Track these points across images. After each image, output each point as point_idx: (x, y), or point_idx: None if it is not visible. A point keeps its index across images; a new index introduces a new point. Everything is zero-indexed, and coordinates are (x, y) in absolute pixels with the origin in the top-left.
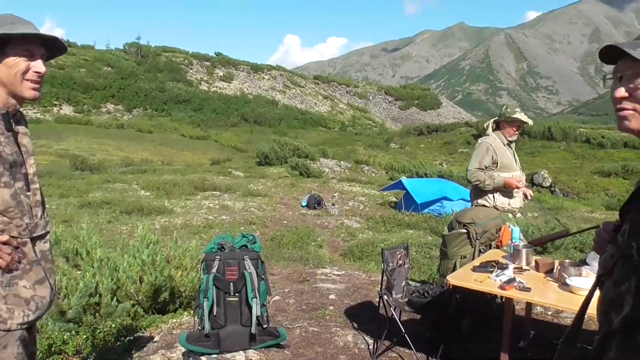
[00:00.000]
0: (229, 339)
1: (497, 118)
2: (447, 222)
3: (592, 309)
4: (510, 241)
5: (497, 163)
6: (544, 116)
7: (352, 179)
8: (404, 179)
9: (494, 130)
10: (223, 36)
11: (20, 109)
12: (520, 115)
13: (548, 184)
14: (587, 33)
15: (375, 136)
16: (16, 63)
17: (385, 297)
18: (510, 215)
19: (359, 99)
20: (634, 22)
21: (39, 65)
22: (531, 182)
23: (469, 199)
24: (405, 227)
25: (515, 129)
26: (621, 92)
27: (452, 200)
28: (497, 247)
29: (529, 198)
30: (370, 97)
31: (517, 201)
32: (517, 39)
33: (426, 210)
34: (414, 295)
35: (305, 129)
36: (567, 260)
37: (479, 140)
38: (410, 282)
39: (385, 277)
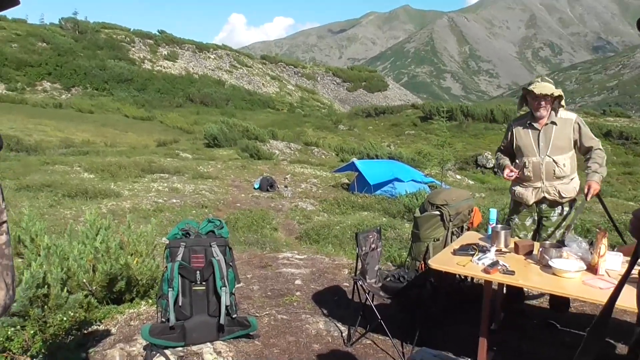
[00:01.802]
0: (196, 330)
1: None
2: (400, 203)
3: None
4: (487, 223)
5: (515, 145)
6: (485, 99)
7: (303, 161)
8: (356, 161)
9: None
10: (166, 14)
11: None
12: (532, 86)
13: (491, 165)
14: (524, 19)
15: (324, 118)
16: None
17: (359, 282)
18: (524, 211)
19: (307, 80)
20: (567, 9)
21: None
22: (475, 164)
23: (419, 179)
24: (359, 208)
25: (537, 103)
26: None
27: (403, 182)
28: (469, 228)
29: (588, 197)
30: (318, 79)
31: (529, 193)
32: (460, 22)
33: (378, 192)
34: (387, 280)
35: (254, 110)
36: (547, 242)
37: None
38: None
39: (359, 262)
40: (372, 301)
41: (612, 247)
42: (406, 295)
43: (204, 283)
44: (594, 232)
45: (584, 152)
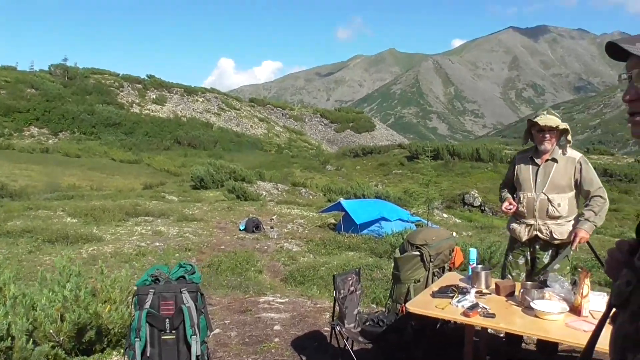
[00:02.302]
0: None
1: None
2: (387, 242)
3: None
4: (467, 263)
5: (515, 178)
6: (471, 138)
7: (290, 202)
8: (342, 200)
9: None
10: (155, 59)
11: None
12: (538, 118)
13: (478, 204)
14: (507, 61)
15: (312, 158)
16: None
17: (337, 327)
18: (518, 249)
19: (294, 121)
20: (548, 52)
21: None
22: (462, 202)
23: (406, 219)
24: (345, 249)
25: (542, 135)
26: (629, 94)
27: (390, 221)
28: (450, 269)
29: (574, 246)
30: (306, 120)
31: (522, 229)
32: (444, 64)
33: (365, 231)
34: (367, 324)
35: (242, 152)
36: (529, 283)
37: None
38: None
39: (337, 306)
40: (352, 346)
41: (600, 284)
42: (386, 340)
43: (173, 332)
44: (578, 271)
45: (584, 196)
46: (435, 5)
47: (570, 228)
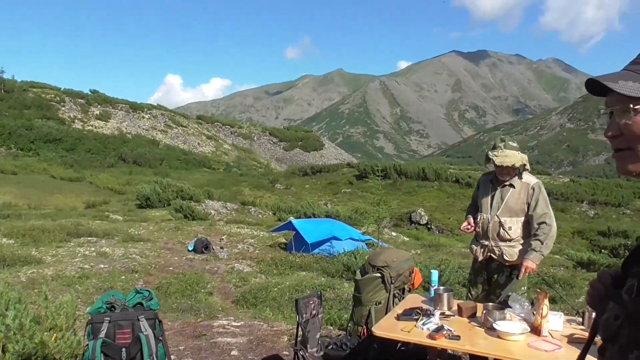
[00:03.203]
0: None
1: None
2: (339, 262)
3: None
4: (430, 285)
5: (477, 199)
6: (417, 158)
7: (239, 221)
8: (293, 220)
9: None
10: (100, 74)
11: None
12: (494, 156)
13: (425, 222)
14: (451, 83)
15: (261, 177)
16: None
17: (301, 352)
18: (477, 268)
19: (243, 139)
20: (488, 75)
21: None
22: (409, 220)
23: (357, 237)
24: (297, 268)
25: (499, 169)
26: (612, 130)
27: (341, 240)
28: (410, 289)
29: (519, 276)
30: (255, 138)
31: (478, 249)
32: (391, 86)
33: (316, 251)
34: (330, 347)
35: (189, 170)
36: (490, 304)
37: None
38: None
39: (300, 330)
40: None
41: (553, 300)
42: None
43: None
44: (537, 291)
45: (531, 220)
46: (382, 28)
47: (521, 251)
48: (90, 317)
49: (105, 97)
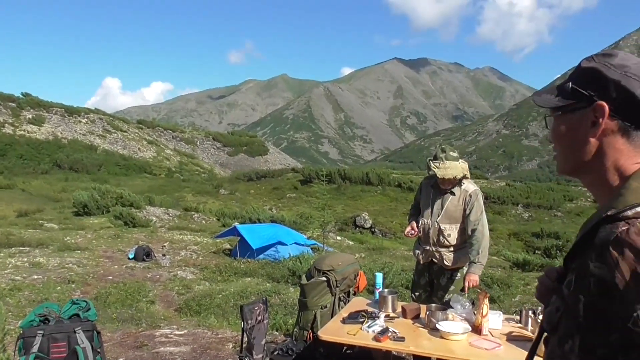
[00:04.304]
0: None
1: None
2: (284, 267)
3: None
4: (374, 288)
5: (418, 203)
6: (360, 163)
7: (182, 227)
8: (238, 225)
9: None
10: (32, 76)
11: None
12: (436, 167)
13: (369, 225)
14: (392, 90)
15: (204, 182)
16: None
17: (246, 359)
18: (420, 269)
19: (186, 144)
20: (429, 82)
21: None
22: (354, 224)
23: (302, 242)
24: (242, 275)
25: (441, 179)
26: (549, 136)
27: (286, 245)
28: (355, 293)
29: (466, 289)
30: (198, 143)
31: (421, 252)
32: (334, 92)
33: (261, 256)
34: (276, 353)
35: (129, 176)
36: (433, 305)
37: None
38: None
39: (245, 337)
40: None
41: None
42: None
43: None
44: (477, 291)
45: (467, 227)
46: (326, 34)
47: (461, 256)
48: (21, 332)
49: (38, 101)
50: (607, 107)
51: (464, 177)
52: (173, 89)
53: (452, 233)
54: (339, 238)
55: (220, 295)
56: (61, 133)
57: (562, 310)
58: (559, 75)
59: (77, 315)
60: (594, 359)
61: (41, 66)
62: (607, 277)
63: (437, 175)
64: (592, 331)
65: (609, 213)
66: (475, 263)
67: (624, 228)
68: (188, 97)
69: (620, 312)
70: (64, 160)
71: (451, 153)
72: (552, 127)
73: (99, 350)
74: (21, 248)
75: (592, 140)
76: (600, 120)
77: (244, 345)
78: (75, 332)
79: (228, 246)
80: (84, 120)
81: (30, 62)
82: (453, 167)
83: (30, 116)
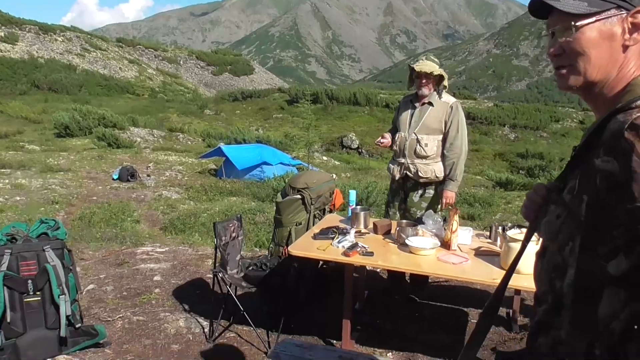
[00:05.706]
0: (32, 347)
1: None
2: (269, 186)
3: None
4: (347, 204)
5: (397, 120)
6: (348, 83)
7: (167, 148)
8: (222, 146)
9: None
10: None
11: None
12: (415, 64)
13: (356, 146)
14: (382, 7)
15: (189, 103)
16: None
17: (220, 274)
18: (394, 188)
19: (169, 63)
20: None
21: None
22: (341, 145)
23: (287, 162)
24: (227, 194)
25: (420, 81)
26: (555, 49)
27: (272, 165)
28: (331, 210)
29: (443, 205)
30: (181, 62)
31: (395, 167)
32: (322, 8)
33: (247, 176)
34: (250, 269)
35: (111, 96)
36: (404, 221)
37: None
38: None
39: (219, 253)
40: (235, 292)
41: (471, 218)
42: (269, 283)
43: (38, 293)
44: (448, 208)
45: (446, 139)
46: None
47: (435, 169)
48: None
49: (9, 17)
50: None
51: (442, 79)
52: (153, 5)
53: (429, 143)
54: (324, 158)
55: (205, 214)
56: (37, 52)
57: (563, 216)
58: None
59: (46, 234)
60: (594, 256)
61: None
62: (615, 169)
63: (415, 68)
64: (594, 229)
65: (618, 106)
66: (452, 181)
67: (638, 114)
68: (169, 14)
69: (628, 200)
70: (42, 80)
71: (432, 57)
72: (577, 38)
73: (70, 267)
74: (2, 170)
75: (632, 47)
76: None
77: (218, 262)
78: (44, 250)
79: (213, 166)
80: (60, 39)
81: None
82: (431, 65)
83: (2, 34)
